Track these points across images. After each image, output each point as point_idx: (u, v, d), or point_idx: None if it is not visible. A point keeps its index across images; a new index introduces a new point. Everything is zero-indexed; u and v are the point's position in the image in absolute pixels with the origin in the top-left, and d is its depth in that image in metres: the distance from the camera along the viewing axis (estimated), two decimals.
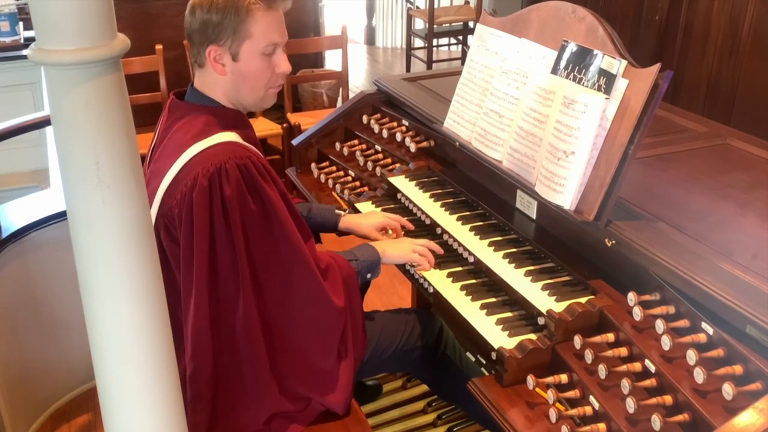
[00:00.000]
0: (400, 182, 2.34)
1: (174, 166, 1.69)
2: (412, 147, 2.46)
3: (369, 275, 1.98)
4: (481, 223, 2.09)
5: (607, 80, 1.72)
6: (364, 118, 2.67)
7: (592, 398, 1.47)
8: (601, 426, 1.43)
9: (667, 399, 1.40)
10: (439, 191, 2.28)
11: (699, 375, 1.36)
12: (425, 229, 2.17)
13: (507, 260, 1.90)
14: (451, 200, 2.23)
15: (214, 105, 1.79)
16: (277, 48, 1.77)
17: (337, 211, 2.22)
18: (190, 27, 1.74)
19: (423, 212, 2.18)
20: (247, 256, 1.67)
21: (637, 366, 1.47)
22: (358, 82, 6.95)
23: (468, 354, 2.19)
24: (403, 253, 2.00)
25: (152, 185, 1.74)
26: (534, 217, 2.02)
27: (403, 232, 2.16)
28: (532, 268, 1.86)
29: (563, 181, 1.77)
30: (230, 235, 1.65)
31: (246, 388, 1.77)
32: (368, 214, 2.21)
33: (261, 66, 1.76)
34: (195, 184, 1.63)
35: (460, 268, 1.98)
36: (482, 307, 1.81)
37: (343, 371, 1.85)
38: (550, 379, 1.55)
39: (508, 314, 1.77)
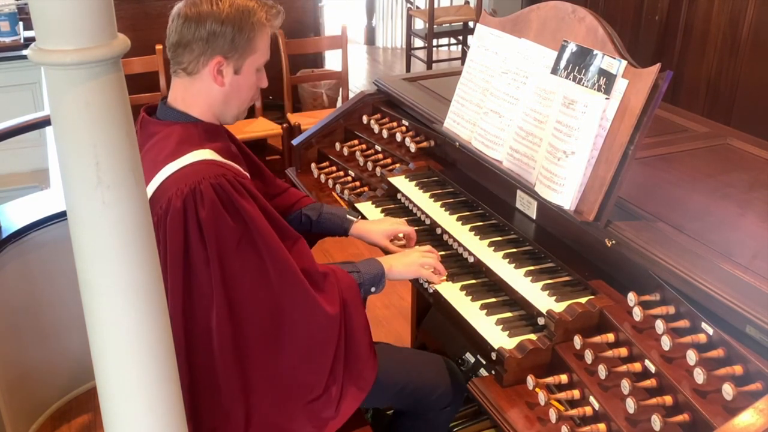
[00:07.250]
0: (400, 182, 2.34)
1: (147, 189, 1.62)
2: (412, 147, 2.46)
3: (373, 289, 1.90)
4: (481, 223, 2.09)
5: (607, 80, 1.72)
6: (364, 119, 2.67)
7: (592, 398, 1.47)
8: (601, 426, 1.43)
9: (667, 399, 1.40)
10: (439, 191, 2.27)
11: (699, 375, 1.36)
12: (425, 229, 2.17)
13: (507, 260, 1.90)
14: (451, 200, 2.23)
15: (188, 120, 1.73)
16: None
17: (348, 216, 2.14)
18: (192, 35, 1.68)
19: (423, 212, 2.18)
20: (221, 274, 1.61)
21: (637, 366, 1.47)
22: (358, 82, 6.95)
23: (468, 354, 2.19)
24: (411, 269, 1.92)
25: None
26: (534, 217, 2.02)
27: (415, 237, 2.09)
28: (532, 268, 1.86)
29: (563, 181, 1.77)
30: (206, 254, 1.60)
31: (223, 412, 1.71)
32: (379, 221, 2.15)
33: (253, 81, 1.78)
34: (169, 207, 1.59)
35: (460, 269, 1.98)
36: (482, 307, 1.80)
37: (336, 390, 1.78)
38: (550, 380, 1.55)
39: (508, 314, 1.77)
